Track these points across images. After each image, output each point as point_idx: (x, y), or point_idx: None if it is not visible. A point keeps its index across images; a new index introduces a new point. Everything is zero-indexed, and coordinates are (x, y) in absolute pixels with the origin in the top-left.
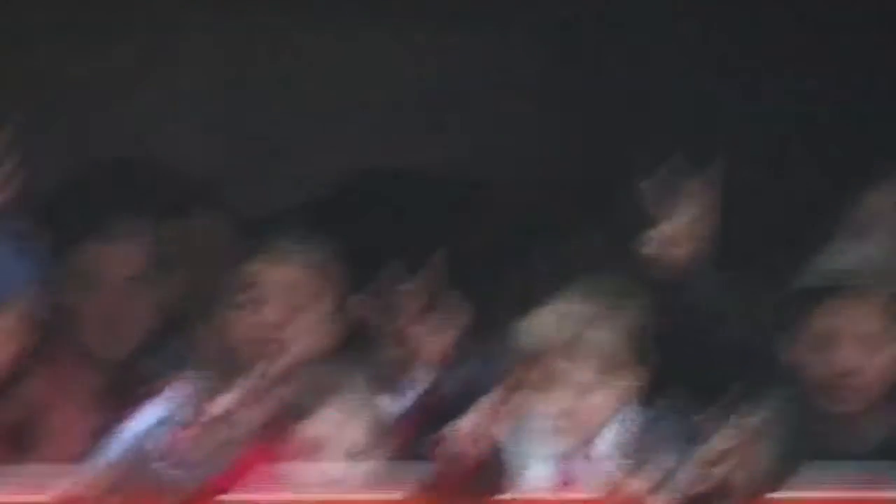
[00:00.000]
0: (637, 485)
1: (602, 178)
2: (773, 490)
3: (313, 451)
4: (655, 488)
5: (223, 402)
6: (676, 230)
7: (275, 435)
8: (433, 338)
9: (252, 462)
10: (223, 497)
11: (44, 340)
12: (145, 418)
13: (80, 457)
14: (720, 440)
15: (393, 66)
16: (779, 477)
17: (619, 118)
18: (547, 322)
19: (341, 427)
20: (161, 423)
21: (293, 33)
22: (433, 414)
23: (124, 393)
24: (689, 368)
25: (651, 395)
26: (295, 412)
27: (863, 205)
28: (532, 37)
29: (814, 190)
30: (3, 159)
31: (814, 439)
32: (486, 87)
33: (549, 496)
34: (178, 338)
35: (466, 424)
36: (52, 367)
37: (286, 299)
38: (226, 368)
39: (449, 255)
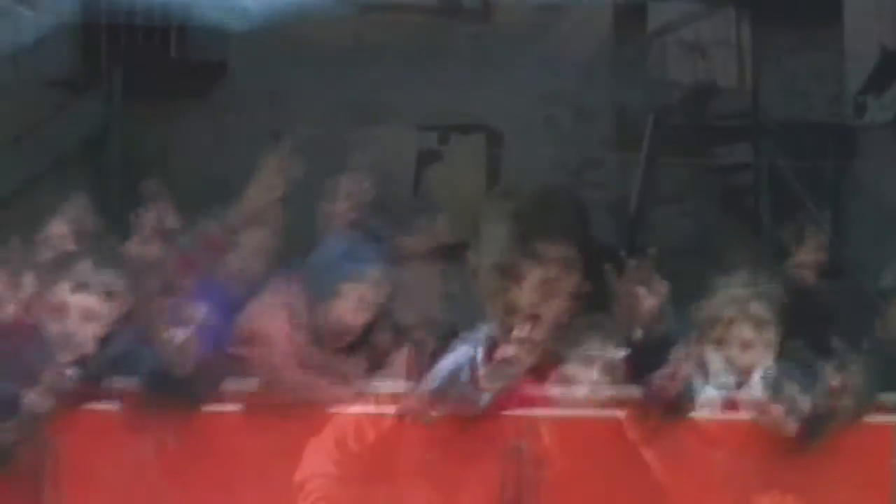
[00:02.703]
0: (777, 409)
1: None
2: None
3: (565, 383)
4: (789, 411)
5: (508, 350)
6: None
7: (540, 372)
8: (645, 303)
9: (525, 389)
10: (507, 412)
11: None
12: (458, 358)
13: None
14: (834, 379)
15: None
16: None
17: None
18: (721, 300)
19: (584, 367)
20: (467, 361)
21: None
22: (644, 358)
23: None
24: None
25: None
26: (553, 357)
27: None
28: None
29: None
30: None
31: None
32: None
33: (718, 416)
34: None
35: (668, 368)
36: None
37: (542, 288)
38: (510, 329)
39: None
